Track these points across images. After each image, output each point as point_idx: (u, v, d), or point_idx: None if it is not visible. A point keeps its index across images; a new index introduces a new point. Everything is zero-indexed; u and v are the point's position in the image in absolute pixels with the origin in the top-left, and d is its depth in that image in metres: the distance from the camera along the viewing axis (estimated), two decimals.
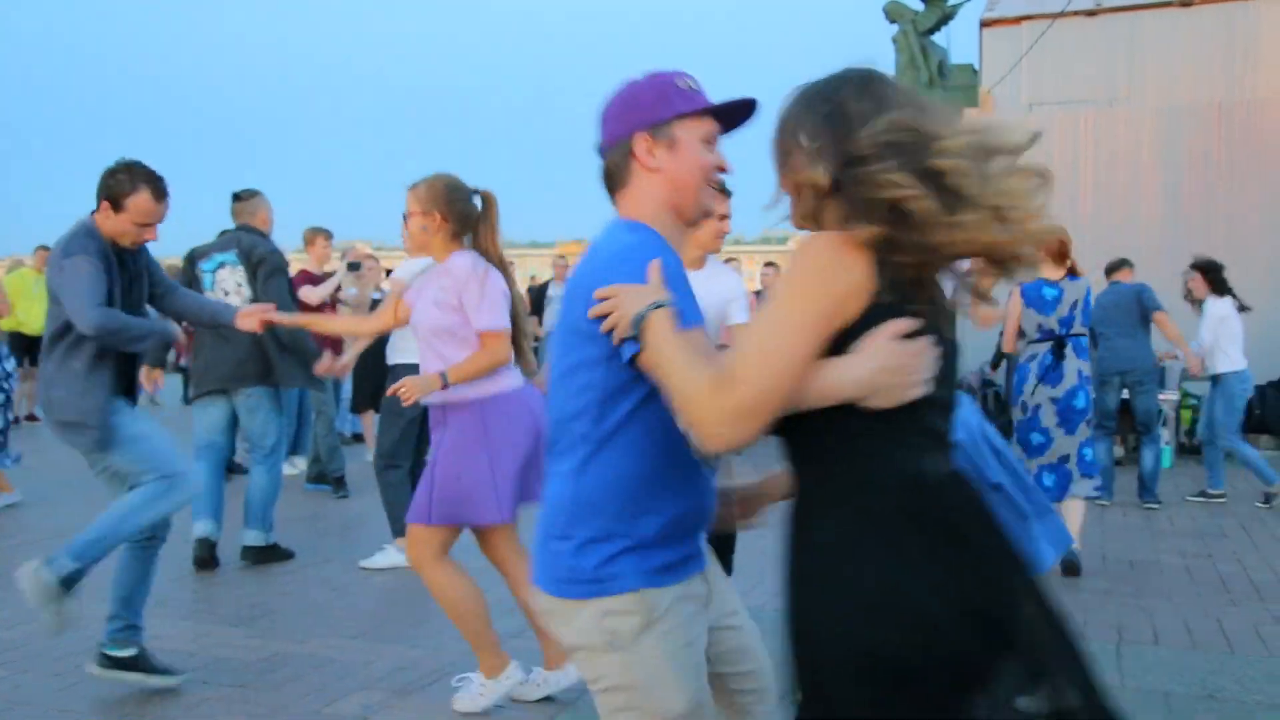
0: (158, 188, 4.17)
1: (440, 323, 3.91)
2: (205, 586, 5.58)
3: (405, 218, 4.06)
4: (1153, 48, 13.46)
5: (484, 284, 3.90)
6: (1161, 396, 10.87)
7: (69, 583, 3.87)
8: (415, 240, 4.08)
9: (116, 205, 4.08)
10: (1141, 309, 8.23)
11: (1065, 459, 6.13)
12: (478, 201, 4.09)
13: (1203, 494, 8.47)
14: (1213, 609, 5.42)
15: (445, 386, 3.82)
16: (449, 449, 3.91)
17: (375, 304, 8.45)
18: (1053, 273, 6.14)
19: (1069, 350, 6.16)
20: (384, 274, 9.61)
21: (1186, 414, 11.20)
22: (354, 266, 8.90)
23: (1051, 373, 6.12)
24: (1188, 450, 10.95)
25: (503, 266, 4.08)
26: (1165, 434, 10.61)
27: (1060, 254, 6.09)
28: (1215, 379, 8.47)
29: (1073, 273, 6.25)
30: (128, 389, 4.31)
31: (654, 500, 2.10)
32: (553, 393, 2.17)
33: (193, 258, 6.38)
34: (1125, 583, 5.93)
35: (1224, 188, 12.01)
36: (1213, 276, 8.47)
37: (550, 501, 2.16)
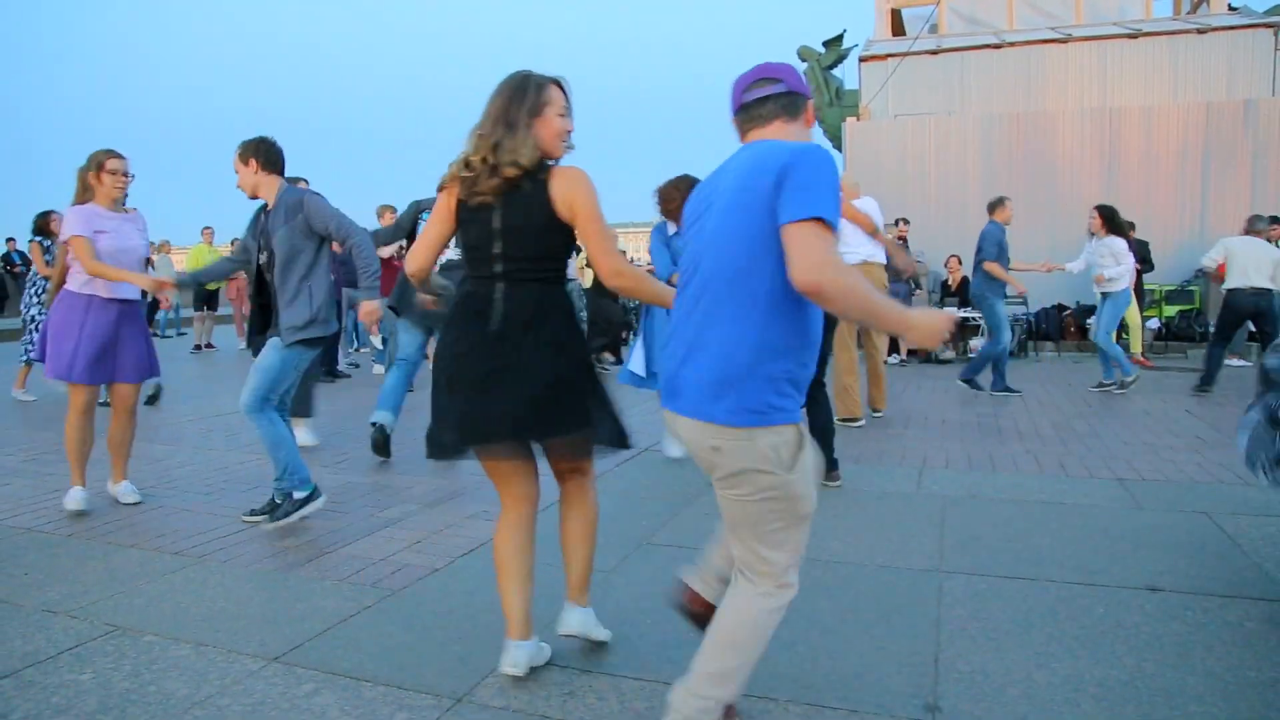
0: None
1: None
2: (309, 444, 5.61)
3: None
4: (976, 76, 13.35)
5: None
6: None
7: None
8: None
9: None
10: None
11: None
12: None
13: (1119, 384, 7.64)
14: (987, 446, 5.46)
15: None
16: None
17: None
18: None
19: None
20: None
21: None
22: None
23: None
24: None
25: None
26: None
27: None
28: (1105, 295, 7.68)
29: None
30: None
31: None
32: None
33: (419, 208, 5.03)
34: (935, 431, 5.99)
35: (1021, 170, 11.97)
36: (1109, 218, 7.61)
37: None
